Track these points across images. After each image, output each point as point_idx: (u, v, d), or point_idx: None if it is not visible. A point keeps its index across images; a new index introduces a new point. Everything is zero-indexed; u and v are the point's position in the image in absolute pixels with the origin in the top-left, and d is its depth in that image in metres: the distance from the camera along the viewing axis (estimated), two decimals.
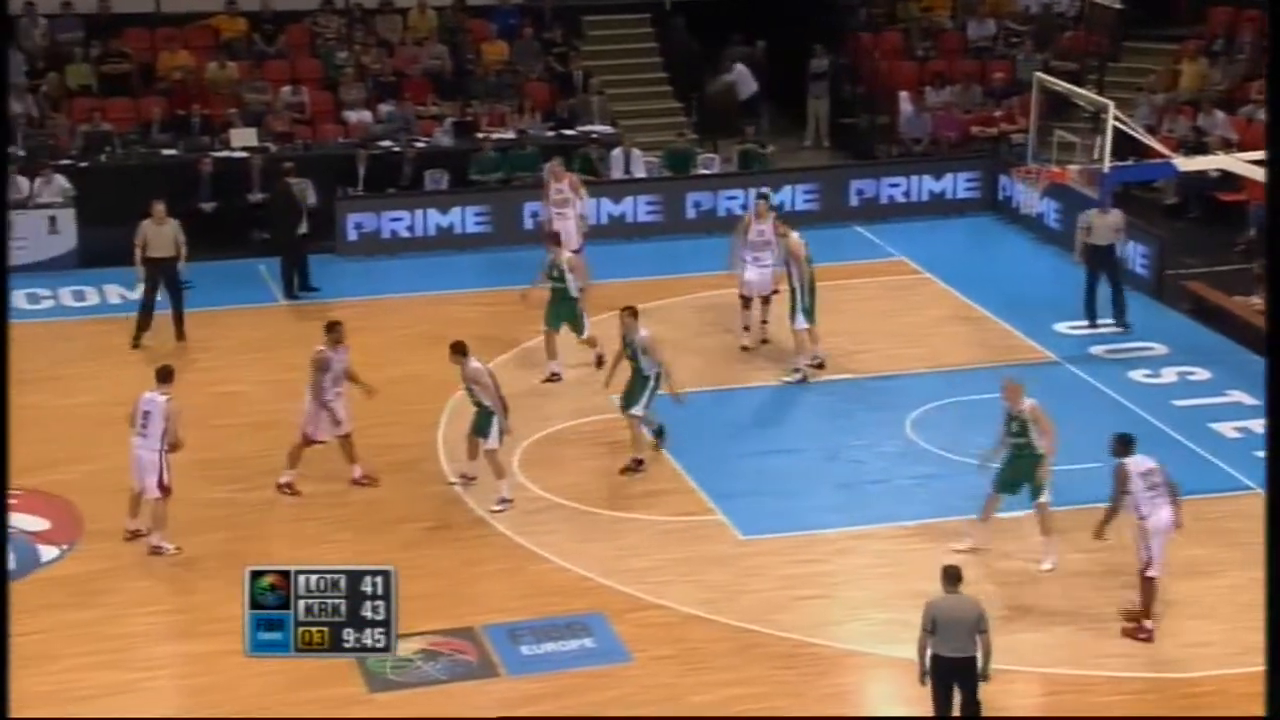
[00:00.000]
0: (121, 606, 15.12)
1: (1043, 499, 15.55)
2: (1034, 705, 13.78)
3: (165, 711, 13.63)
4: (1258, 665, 10.43)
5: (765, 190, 20.03)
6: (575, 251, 22.23)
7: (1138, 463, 14.40)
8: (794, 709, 13.54)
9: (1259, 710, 10.09)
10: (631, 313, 17.63)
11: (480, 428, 16.74)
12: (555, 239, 20.33)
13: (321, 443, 17.03)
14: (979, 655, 12.51)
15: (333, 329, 17.05)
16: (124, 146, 25.18)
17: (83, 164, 24.50)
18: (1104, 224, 21.00)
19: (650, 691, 13.77)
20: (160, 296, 20.83)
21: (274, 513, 16.69)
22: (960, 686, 12.54)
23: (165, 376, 15.88)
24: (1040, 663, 14.07)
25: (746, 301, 20.56)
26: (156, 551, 15.75)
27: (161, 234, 20.57)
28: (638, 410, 17.43)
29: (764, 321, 20.69)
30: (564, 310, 19.54)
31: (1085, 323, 21.26)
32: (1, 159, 17.93)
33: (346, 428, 17.02)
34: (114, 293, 22.23)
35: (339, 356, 16.95)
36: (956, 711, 12.60)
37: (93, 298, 22.17)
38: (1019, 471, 15.60)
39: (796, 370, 19.75)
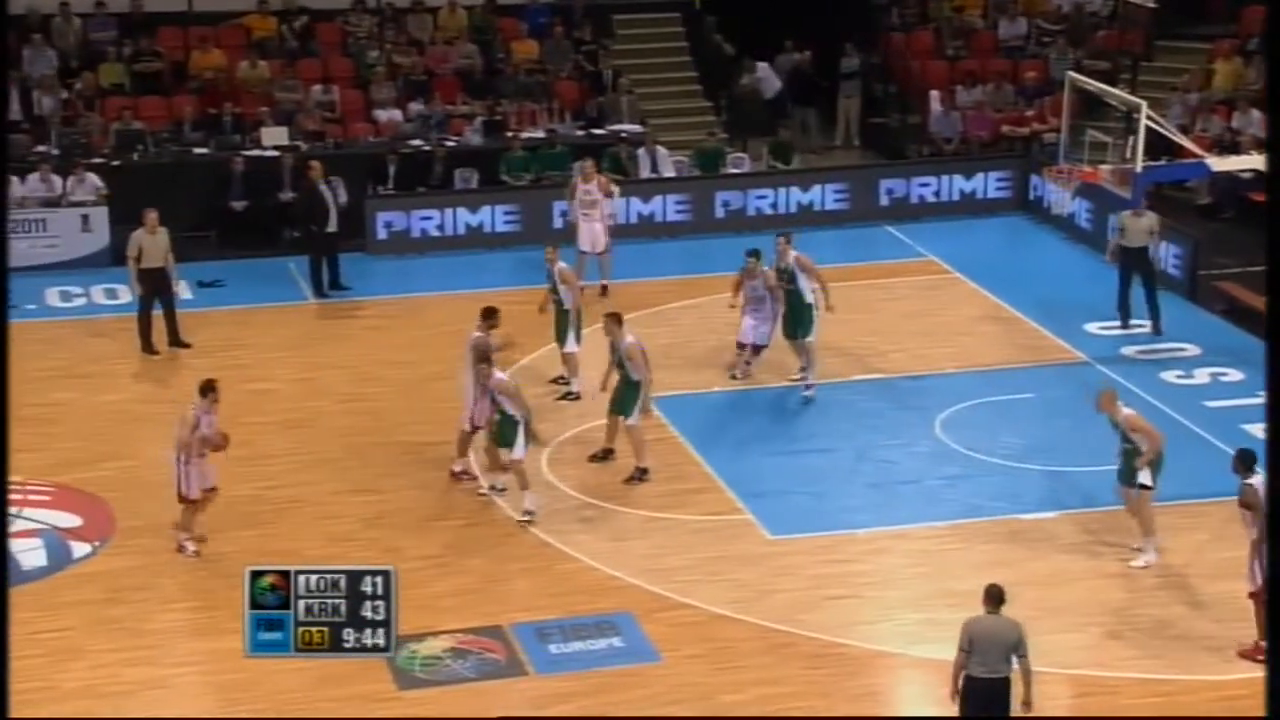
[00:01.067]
0: (152, 603, 15.15)
1: (1140, 479, 15.19)
2: (1063, 706, 13.68)
3: (194, 708, 13.67)
4: None
5: (754, 249, 19.52)
6: (602, 252, 22.31)
7: (1263, 482, 13.92)
8: (824, 709, 13.49)
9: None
10: (615, 319, 17.32)
11: (503, 437, 16.47)
12: (555, 244, 19.88)
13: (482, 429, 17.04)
14: (1013, 679, 12.13)
15: (490, 315, 17.07)
16: (156, 145, 25.25)
17: (115, 163, 24.56)
18: (1137, 226, 20.84)
19: (679, 691, 13.75)
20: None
21: (303, 510, 16.70)
22: (990, 708, 12.16)
23: (202, 390, 15.72)
24: (1070, 664, 13.98)
25: (741, 347, 19.49)
26: (180, 550, 15.78)
27: (156, 243, 20.47)
28: (633, 420, 17.14)
29: (747, 363, 19.52)
30: (560, 323, 19.04)
31: (1117, 323, 21.14)
32: (2, 157, 17.85)
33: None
34: None
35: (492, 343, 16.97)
36: None
37: (125, 295, 22.14)
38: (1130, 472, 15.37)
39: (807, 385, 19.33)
